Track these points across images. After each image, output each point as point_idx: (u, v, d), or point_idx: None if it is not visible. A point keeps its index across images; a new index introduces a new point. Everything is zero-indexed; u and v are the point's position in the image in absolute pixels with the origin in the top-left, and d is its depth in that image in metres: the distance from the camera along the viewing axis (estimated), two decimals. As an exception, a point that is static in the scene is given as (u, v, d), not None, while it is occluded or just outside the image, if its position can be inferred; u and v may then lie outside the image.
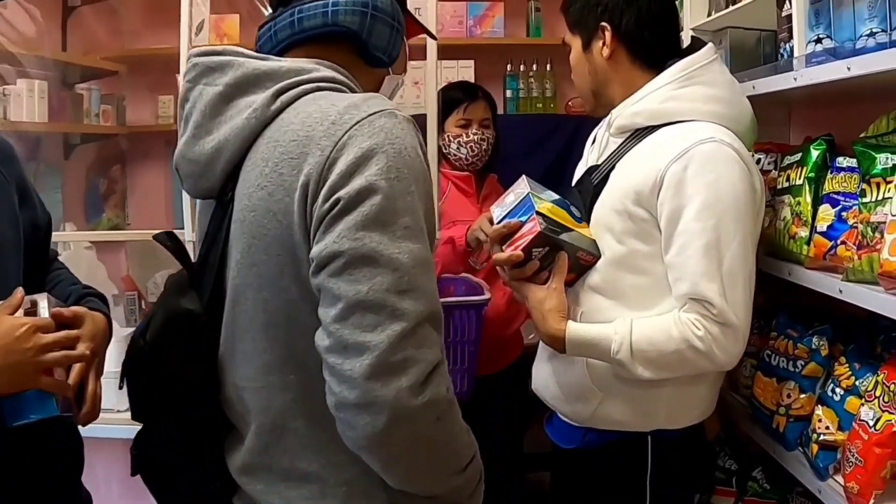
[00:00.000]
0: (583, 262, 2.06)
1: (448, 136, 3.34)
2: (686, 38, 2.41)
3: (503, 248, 2.07)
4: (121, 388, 1.56)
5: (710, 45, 2.12)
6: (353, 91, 1.52)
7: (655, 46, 2.13)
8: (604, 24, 2.12)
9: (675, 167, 1.92)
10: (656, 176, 1.94)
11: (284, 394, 1.46)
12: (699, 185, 1.90)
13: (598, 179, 2.11)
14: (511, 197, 2.10)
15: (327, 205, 1.33)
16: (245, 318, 1.47)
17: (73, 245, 3.97)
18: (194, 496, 1.63)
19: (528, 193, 2.05)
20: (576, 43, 2.20)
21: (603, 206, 2.06)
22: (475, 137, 3.33)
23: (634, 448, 2.10)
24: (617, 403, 2.08)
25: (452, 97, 3.38)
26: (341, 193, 1.32)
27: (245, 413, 1.53)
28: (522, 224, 2.03)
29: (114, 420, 2.73)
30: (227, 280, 1.50)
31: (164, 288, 1.59)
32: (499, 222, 2.09)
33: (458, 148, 3.32)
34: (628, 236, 2.02)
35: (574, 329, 2.00)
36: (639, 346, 1.94)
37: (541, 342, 2.24)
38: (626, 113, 2.09)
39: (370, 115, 1.38)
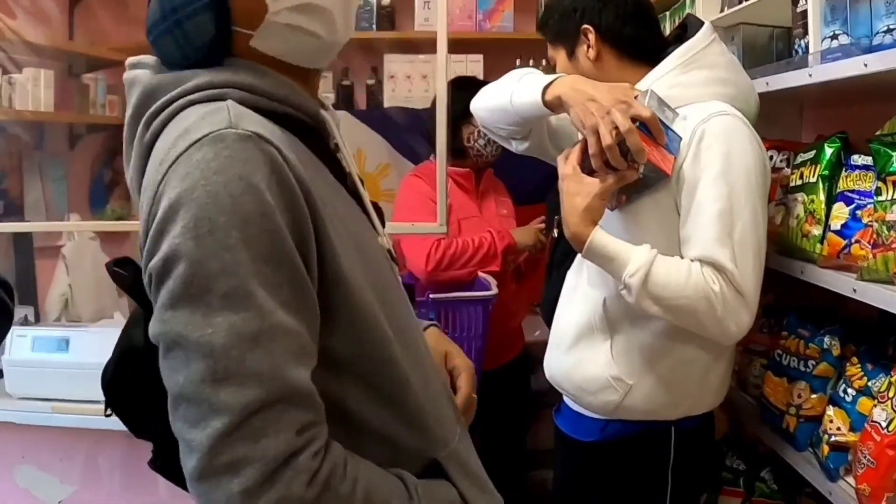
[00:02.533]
0: (618, 201, 2.03)
1: (479, 130, 3.29)
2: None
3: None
4: (107, 415, 1.40)
5: (707, 25, 2.12)
6: (250, 90, 1.22)
7: (639, 40, 2.14)
8: (585, 26, 2.12)
9: (693, 141, 1.94)
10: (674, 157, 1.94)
11: None
12: (712, 155, 1.92)
13: None
14: (672, 116, 1.96)
15: (146, 279, 1.13)
16: None
17: (77, 235, 3.97)
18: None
19: (681, 139, 1.95)
20: (560, 55, 2.20)
21: None
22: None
23: (657, 439, 2.11)
24: (644, 392, 2.08)
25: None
26: (151, 265, 1.10)
27: None
28: (665, 141, 1.92)
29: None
30: None
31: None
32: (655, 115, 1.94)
33: (485, 145, 3.34)
34: (650, 220, 2.02)
35: (599, 237, 1.94)
36: (654, 278, 1.90)
37: (554, 333, 2.24)
38: None
39: (191, 145, 1.10)
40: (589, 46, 2.13)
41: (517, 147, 2.31)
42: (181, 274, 1.06)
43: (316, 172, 1.23)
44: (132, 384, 1.30)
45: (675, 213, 1.99)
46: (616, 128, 1.87)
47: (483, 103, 2.28)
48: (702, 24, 2.14)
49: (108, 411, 1.38)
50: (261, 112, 1.20)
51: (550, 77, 2.03)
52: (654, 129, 1.89)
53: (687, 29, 2.16)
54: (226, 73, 1.22)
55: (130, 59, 1.31)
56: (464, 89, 3.38)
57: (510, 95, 2.11)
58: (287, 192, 1.12)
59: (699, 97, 2.03)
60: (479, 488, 1.36)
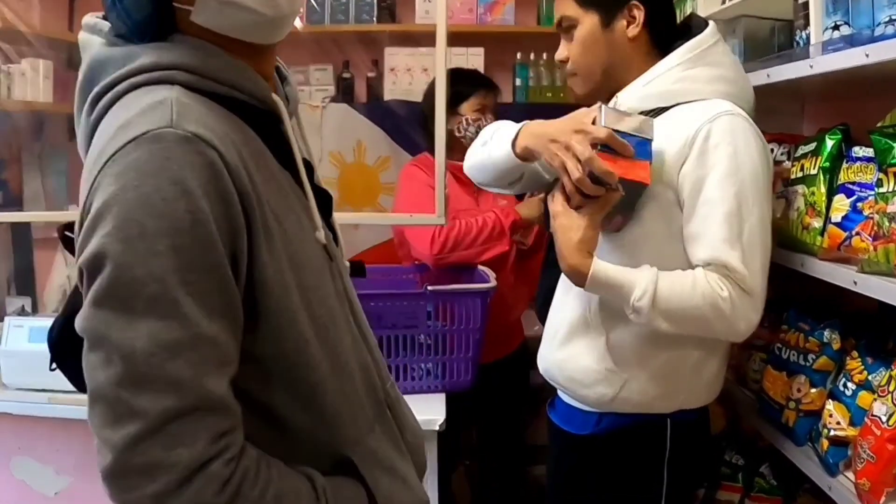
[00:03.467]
0: (614, 225, 2.04)
1: (467, 118, 3.35)
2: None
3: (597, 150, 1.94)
4: (52, 369, 1.42)
5: (712, 25, 2.12)
6: (196, 72, 1.19)
7: (669, 30, 2.15)
8: (635, 3, 2.10)
9: (698, 139, 1.94)
10: (679, 152, 1.96)
11: None
12: (720, 155, 1.92)
13: None
14: (636, 123, 1.95)
15: (77, 271, 1.13)
16: None
17: (76, 227, 3.96)
18: None
19: (652, 139, 1.95)
20: (590, 19, 2.13)
21: None
22: (490, 123, 3.32)
23: (652, 431, 2.10)
24: (640, 385, 2.07)
25: (469, 83, 3.42)
26: (81, 260, 1.09)
27: None
28: (633, 153, 1.93)
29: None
30: None
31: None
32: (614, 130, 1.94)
33: (475, 132, 3.33)
34: (650, 218, 2.01)
35: (600, 267, 1.94)
36: (662, 296, 1.90)
37: (548, 329, 2.23)
38: (638, 94, 2.09)
39: (128, 143, 1.08)
40: (630, 24, 2.11)
41: (516, 189, 2.35)
42: (107, 275, 1.06)
43: (259, 163, 1.22)
44: (76, 343, 1.26)
45: (677, 209, 1.99)
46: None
47: (470, 164, 2.33)
48: (706, 23, 2.14)
49: (53, 366, 1.41)
50: (207, 95, 1.19)
51: (515, 128, 2.10)
52: (615, 146, 1.90)
53: (691, 27, 2.15)
54: (174, 52, 1.20)
55: (87, 19, 1.29)
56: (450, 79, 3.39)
57: (488, 154, 2.19)
58: (223, 200, 1.11)
59: (703, 94, 2.04)
60: (392, 478, 1.37)
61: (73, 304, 1.35)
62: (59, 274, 3.88)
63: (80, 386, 1.34)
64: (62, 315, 1.39)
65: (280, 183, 1.27)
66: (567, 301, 2.20)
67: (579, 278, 1.96)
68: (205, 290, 1.09)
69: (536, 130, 2.04)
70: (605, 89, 2.16)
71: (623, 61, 2.12)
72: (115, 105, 1.18)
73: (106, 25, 1.26)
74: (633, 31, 2.10)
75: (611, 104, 2.10)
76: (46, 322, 2.77)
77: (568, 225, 1.96)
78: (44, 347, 1.51)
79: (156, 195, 1.06)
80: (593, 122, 1.93)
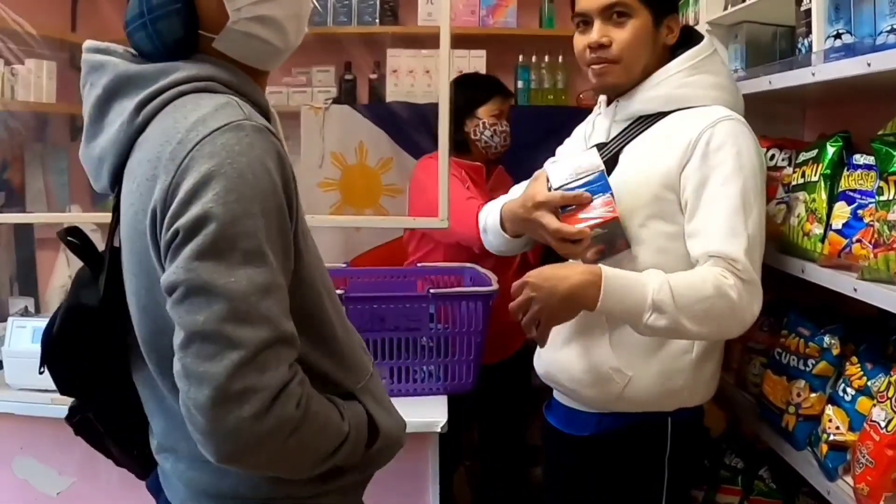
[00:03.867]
0: (617, 250, 2.08)
1: (483, 122, 3.43)
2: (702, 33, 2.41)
3: (561, 215, 2.08)
4: (41, 372, 1.60)
5: (708, 37, 2.22)
6: (227, 85, 1.44)
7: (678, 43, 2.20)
8: (675, 15, 2.18)
9: (701, 142, 2.02)
10: (682, 155, 2.03)
11: (174, 393, 1.41)
12: (724, 156, 2.00)
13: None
14: (580, 165, 2.04)
15: (169, 234, 1.31)
16: (135, 318, 1.49)
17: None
18: (126, 458, 1.72)
19: (602, 170, 2.03)
20: (645, 14, 2.12)
21: (619, 192, 2.06)
22: (507, 129, 3.46)
23: (653, 430, 2.13)
24: (643, 383, 2.10)
25: (489, 87, 3.50)
26: (179, 224, 1.29)
27: (149, 399, 1.58)
28: (592, 199, 2.02)
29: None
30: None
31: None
32: (561, 187, 2.06)
33: (491, 136, 3.43)
34: (652, 218, 2.07)
35: (610, 270, 1.98)
36: (678, 291, 1.93)
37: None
38: (640, 98, 2.13)
39: (214, 131, 1.33)
40: (669, 34, 2.16)
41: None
42: (211, 232, 1.27)
43: None
44: (76, 340, 1.53)
45: (678, 210, 2.05)
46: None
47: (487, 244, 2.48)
48: (701, 36, 2.22)
49: (42, 368, 1.59)
50: None
51: (497, 210, 2.30)
52: (572, 202, 2.05)
53: (690, 35, 2.22)
54: (206, 68, 1.44)
55: (91, 44, 1.51)
56: (468, 85, 3.41)
57: (493, 241, 2.41)
58: (285, 179, 1.37)
59: (702, 99, 2.10)
60: (385, 410, 1.61)
61: (72, 303, 1.55)
62: (60, 275, 3.88)
63: (65, 387, 1.61)
64: (62, 313, 1.55)
65: None
66: None
67: (592, 289, 1.95)
68: (279, 249, 1.34)
69: (510, 215, 2.24)
70: (630, 86, 2.17)
71: (654, 64, 2.15)
72: (166, 108, 1.40)
73: (117, 48, 1.49)
74: (671, 40, 2.17)
75: (612, 108, 2.18)
76: (50, 322, 2.80)
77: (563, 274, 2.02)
78: (47, 348, 1.57)
79: (247, 170, 1.31)
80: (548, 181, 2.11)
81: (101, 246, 1.59)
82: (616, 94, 2.20)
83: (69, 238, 1.56)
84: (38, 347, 1.67)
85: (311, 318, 1.47)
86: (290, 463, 1.40)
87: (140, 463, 1.69)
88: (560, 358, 2.22)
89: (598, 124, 2.26)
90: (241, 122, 1.34)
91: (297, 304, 1.39)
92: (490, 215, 2.35)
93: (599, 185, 2.02)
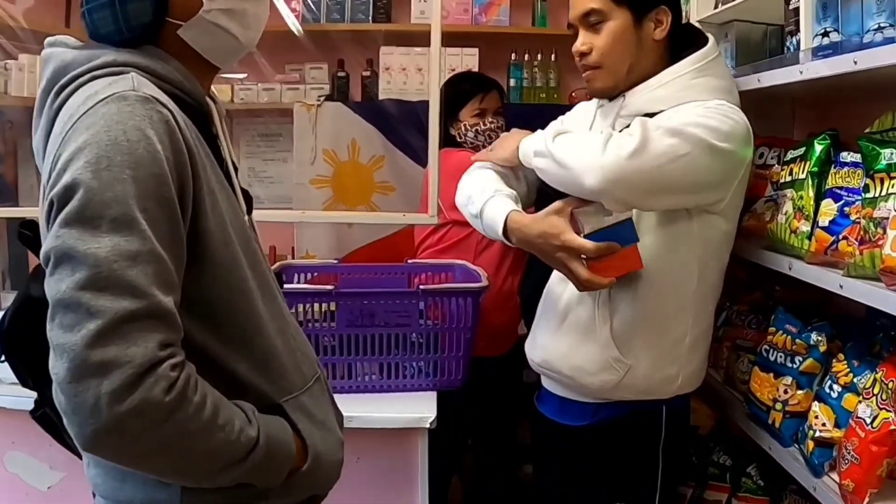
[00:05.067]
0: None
1: (464, 125, 3.42)
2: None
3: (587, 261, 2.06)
4: (1, 361, 1.55)
5: (712, 39, 2.19)
6: (147, 71, 1.39)
7: (681, 37, 2.21)
8: (664, 7, 2.15)
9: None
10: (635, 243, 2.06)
11: None
12: (692, 109, 2.06)
13: None
14: (608, 215, 2.05)
15: (46, 206, 1.28)
16: None
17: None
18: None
19: (631, 217, 2.03)
20: (623, 15, 2.15)
21: None
22: (492, 125, 3.42)
23: (648, 419, 2.18)
24: (643, 371, 2.14)
25: (467, 88, 3.47)
26: (52, 194, 1.26)
27: None
28: (619, 248, 2.02)
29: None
30: None
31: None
32: (590, 235, 2.04)
33: (475, 136, 3.41)
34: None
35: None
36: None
37: (545, 318, 2.31)
38: (644, 97, 2.14)
39: (97, 103, 1.29)
40: (658, 27, 2.16)
41: None
42: (79, 199, 1.22)
43: (198, 145, 1.40)
44: (27, 332, 1.42)
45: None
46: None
47: (466, 215, 2.39)
48: (705, 36, 2.22)
49: (2, 358, 1.53)
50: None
51: (501, 216, 2.17)
52: (605, 252, 2.02)
53: (694, 34, 2.24)
54: (131, 55, 1.40)
55: (49, 39, 1.48)
56: (448, 88, 3.41)
57: (480, 224, 2.28)
58: (175, 149, 1.31)
59: (704, 98, 2.10)
60: (322, 429, 1.54)
61: (23, 296, 1.49)
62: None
63: (24, 378, 1.54)
64: (13, 305, 1.50)
65: (214, 169, 1.45)
66: (567, 290, 2.22)
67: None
68: (156, 218, 1.26)
69: (521, 235, 2.14)
70: (623, 86, 2.19)
71: (645, 62, 2.17)
72: (77, 91, 1.36)
73: (69, 39, 1.47)
74: (660, 34, 2.16)
75: (617, 103, 2.19)
76: (41, 317, 2.80)
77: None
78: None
79: (122, 137, 1.25)
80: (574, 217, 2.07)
81: None
82: (609, 96, 2.22)
83: (22, 230, 1.50)
84: (31, 341, 1.69)
85: (221, 308, 1.40)
86: (173, 462, 1.29)
87: None
88: (561, 347, 2.24)
89: (603, 116, 2.25)
90: (126, 92, 1.30)
91: (198, 290, 1.35)
92: (491, 210, 2.23)
93: (629, 233, 2.02)
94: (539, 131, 2.19)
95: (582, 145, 2.01)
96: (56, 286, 1.21)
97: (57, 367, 1.19)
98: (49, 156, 1.32)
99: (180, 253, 1.31)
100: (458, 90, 3.45)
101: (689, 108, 2.05)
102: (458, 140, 3.41)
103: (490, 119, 3.42)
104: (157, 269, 1.25)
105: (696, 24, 2.65)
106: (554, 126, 2.18)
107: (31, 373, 1.52)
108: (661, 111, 2.10)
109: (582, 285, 2.06)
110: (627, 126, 2.10)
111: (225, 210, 1.42)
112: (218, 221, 1.39)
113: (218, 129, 1.51)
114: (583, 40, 2.18)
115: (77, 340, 1.17)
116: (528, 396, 2.51)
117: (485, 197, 2.23)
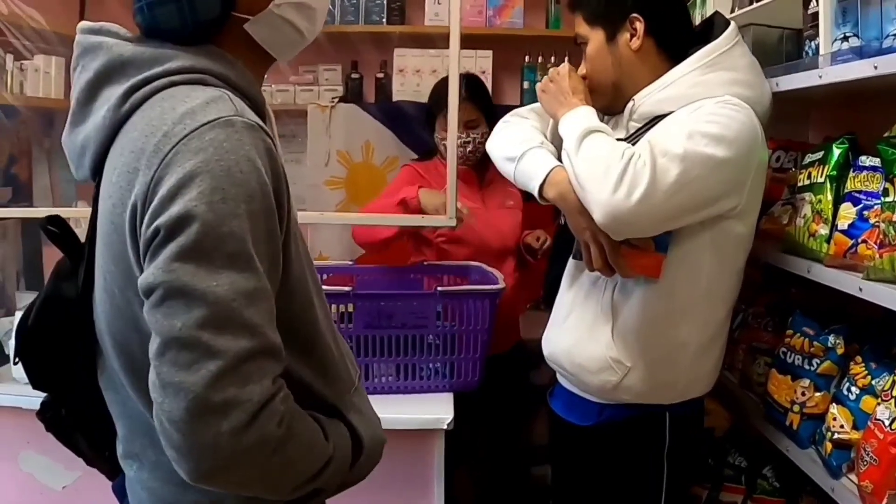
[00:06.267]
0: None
1: (438, 137, 3.38)
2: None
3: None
4: (14, 363, 1.57)
5: (731, 27, 2.16)
6: (221, 79, 1.38)
7: (679, 36, 2.18)
8: (635, 15, 2.14)
9: (691, 107, 2.05)
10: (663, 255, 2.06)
11: (142, 397, 1.38)
12: (705, 113, 2.02)
13: None
14: None
15: (149, 233, 1.24)
16: (105, 318, 1.43)
17: (84, 223, 3.97)
18: (96, 456, 1.63)
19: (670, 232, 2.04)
20: (597, 36, 2.19)
21: None
22: (458, 142, 3.27)
23: (652, 424, 2.17)
24: (642, 373, 2.14)
25: (441, 95, 3.36)
26: (160, 221, 1.22)
27: (116, 403, 1.51)
28: (652, 248, 2.04)
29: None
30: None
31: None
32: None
33: (445, 150, 3.33)
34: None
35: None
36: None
37: (555, 314, 2.34)
38: (653, 100, 2.13)
39: (202, 125, 1.26)
40: (633, 36, 2.15)
41: None
42: (194, 232, 1.20)
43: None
44: (51, 332, 1.47)
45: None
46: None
47: (495, 155, 2.35)
48: (728, 23, 2.18)
49: (16, 360, 1.53)
50: None
51: (545, 168, 2.11)
52: (638, 243, 2.02)
53: (713, 26, 2.20)
54: (203, 59, 1.38)
55: (86, 24, 1.44)
56: (430, 99, 3.40)
57: (513, 173, 2.23)
58: (275, 177, 1.30)
59: (715, 94, 2.06)
60: (367, 420, 1.56)
61: (50, 294, 1.49)
62: (67, 270, 3.88)
63: (38, 381, 1.55)
64: (39, 304, 1.49)
65: None
66: (575, 288, 2.25)
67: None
68: (266, 254, 1.27)
69: (565, 193, 2.06)
70: (618, 102, 2.19)
71: (631, 73, 2.17)
72: (154, 97, 1.34)
73: (115, 28, 1.43)
74: (636, 42, 2.15)
75: (627, 108, 2.16)
76: (58, 317, 2.82)
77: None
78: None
79: (235, 167, 1.23)
80: None
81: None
82: (611, 113, 2.23)
83: (49, 227, 1.50)
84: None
85: (298, 327, 1.41)
86: (270, 484, 1.31)
87: (111, 464, 1.59)
88: (565, 343, 2.26)
89: (614, 122, 2.24)
90: (232, 117, 1.28)
91: (283, 313, 1.32)
92: (534, 158, 2.18)
93: (664, 242, 2.04)
94: (581, 109, 2.12)
95: (600, 168, 1.93)
96: (169, 323, 1.19)
97: (171, 405, 1.19)
98: (143, 168, 1.28)
99: (277, 282, 1.32)
100: (432, 104, 3.42)
101: (697, 110, 2.03)
102: (440, 150, 3.39)
103: (459, 134, 3.22)
104: (268, 306, 1.27)
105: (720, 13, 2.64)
106: (587, 118, 2.09)
107: (51, 373, 1.53)
108: (671, 112, 2.09)
109: (594, 264, 2.06)
110: (640, 129, 2.13)
111: (296, 224, 1.43)
112: (294, 240, 1.40)
113: (273, 132, 1.47)
114: (581, 66, 2.25)
115: (197, 381, 1.17)
116: (540, 396, 2.52)
117: (530, 144, 2.20)
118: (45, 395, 1.60)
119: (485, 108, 3.38)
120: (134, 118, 1.34)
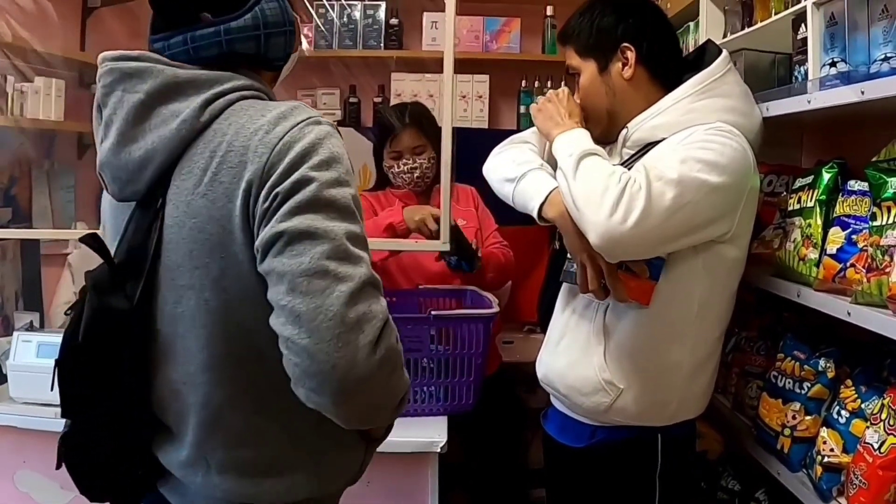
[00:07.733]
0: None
1: (385, 165, 3.41)
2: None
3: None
4: (52, 389, 1.56)
5: (724, 55, 2.18)
6: (268, 96, 1.63)
7: (669, 64, 2.20)
8: (625, 45, 2.16)
9: (680, 135, 2.06)
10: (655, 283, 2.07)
11: (223, 389, 1.55)
12: (698, 138, 2.02)
13: None
14: None
15: (268, 201, 1.43)
16: (187, 317, 1.53)
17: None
18: (116, 485, 1.66)
19: (664, 259, 2.06)
20: (589, 67, 2.22)
21: None
22: (405, 168, 3.35)
23: (644, 446, 2.16)
24: (634, 395, 2.14)
25: (384, 124, 3.43)
26: (279, 188, 1.42)
27: (182, 409, 1.58)
28: (646, 274, 2.06)
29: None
30: (159, 281, 1.54)
31: (86, 286, 1.56)
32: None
33: (394, 178, 3.40)
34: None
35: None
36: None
37: (549, 336, 2.34)
38: (646, 126, 2.15)
39: (300, 122, 1.49)
40: (625, 65, 2.18)
41: None
42: (312, 190, 1.42)
43: None
44: (101, 344, 1.52)
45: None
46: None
47: (492, 177, 2.37)
48: (720, 51, 2.20)
49: (53, 384, 1.55)
50: None
51: (546, 189, 2.12)
52: (634, 267, 2.04)
53: (705, 53, 2.22)
54: (252, 80, 1.60)
55: (118, 53, 1.56)
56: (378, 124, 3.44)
57: (511, 193, 2.23)
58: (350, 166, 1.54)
59: (708, 120, 2.08)
60: None
61: (98, 308, 1.52)
62: (65, 291, 3.89)
63: (72, 406, 1.58)
64: (88, 320, 1.52)
65: None
66: (568, 311, 2.26)
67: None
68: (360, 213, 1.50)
69: (565, 213, 2.06)
70: (613, 131, 2.21)
71: (625, 102, 2.19)
72: (229, 108, 1.54)
73: (154, 56, 1.56)
74: (628, 72, 2.17)
75: (620, 136, 2.17)
76: (54, 337, 2.82)
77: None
78: (52, 363, 1.56)
79: (335, 149, 1.49)
80: None
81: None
82: (606, 143, 2.23)
83: (89, 239, 1.57)
84: (42, 361, 1.69)
85: None
86: (389, 402, 1.49)
87: (133, 488, 1.67)
88: (558, 365, 2.27)
89: (608, 148, 2.24)
90: (318, 117, 1.52)
91: None
92: (534, 179, 2.19)
93: (657, 270, 2.06)
94: (576, 131, 2.13)
95: (597, 191, 1.93)
96: (297, 260, 1.38)
97: (310, 329, 1.35)
98: (234, 166, 1.47)
99: None
100: (376, 133, 3.46)
101: (690, 136, 2.04)
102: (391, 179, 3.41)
103: (404, 161, 3.35)
104: (369, 252, 1.47)
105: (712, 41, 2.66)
106: (583, 140, 2.10)
107: (90, 389, 1.55)
108: (664, 138, 2.10)
109: (588, 286, 2.07)
110: (633, 155, 2.14)
111: None
112: None
113: None
114: (576, 96, 2.27)
115: (333, 302, 1.36)
116: (537, 420, 2.52)
117: (530, 166, 2.21)
118: (63, 422, 1.63)
119: (431, 134, 3.34)
120: (214, 126, 1.52)
